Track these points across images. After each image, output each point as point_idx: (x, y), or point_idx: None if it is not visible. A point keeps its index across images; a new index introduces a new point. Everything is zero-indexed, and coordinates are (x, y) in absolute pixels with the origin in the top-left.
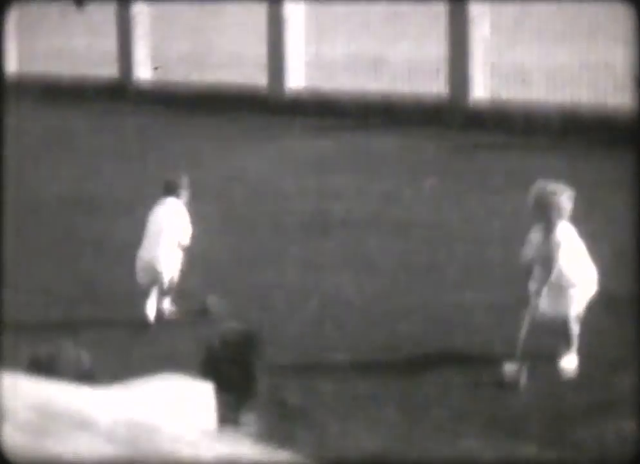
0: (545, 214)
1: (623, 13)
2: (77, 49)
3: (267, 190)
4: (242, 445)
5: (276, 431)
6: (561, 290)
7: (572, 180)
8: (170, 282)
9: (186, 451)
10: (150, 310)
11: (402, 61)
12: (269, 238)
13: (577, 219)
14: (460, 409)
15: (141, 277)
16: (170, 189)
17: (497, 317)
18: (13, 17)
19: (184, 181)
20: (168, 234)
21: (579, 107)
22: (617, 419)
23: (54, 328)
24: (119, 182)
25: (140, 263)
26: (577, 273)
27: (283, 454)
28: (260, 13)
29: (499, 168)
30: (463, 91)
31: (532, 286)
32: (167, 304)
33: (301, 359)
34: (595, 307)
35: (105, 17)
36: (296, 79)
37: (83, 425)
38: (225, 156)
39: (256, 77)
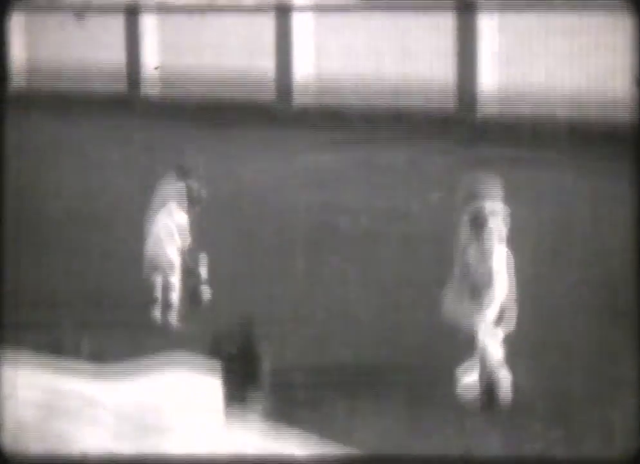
0: (480, 237)
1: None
2: (84, 63)
3: (274, 204)
4: (247, 429)
5: (282, 410)
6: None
7: (579, 193)
8: (172, 284)
9: (191, 430)
10: (158, 313)
11: (410, 74)
12: (275, 252)
13: (584, 231)
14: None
15: (148, 273)
16: (183, 197)
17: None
18: (18, 27)
19: (201, 193)
20: (168, 234)
21: (586, 121)
22: (621, 410)
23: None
24: (126, 196)
25: (146, 260)
26: (506, 301)
27: (289, 433)
28: (269, 27)
29: (507, 182)
30: (472, 104)
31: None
32: (174, 317)
33: (306, 375)
34: (599, 298)
35: (113, 30)
36: (304, 93)
37: (92, 403)
38: (232, 170)
39: (264, 92)
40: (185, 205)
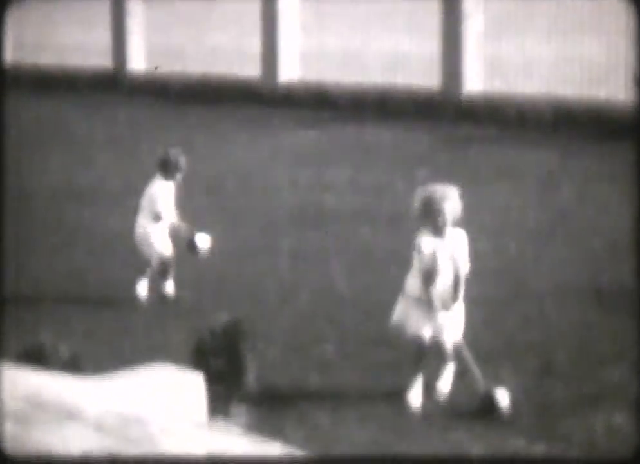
0: (432, 220)
1: (617, 6)
2: (71, 41)
3: (259, 182)
4: (232, 437)
5: (266, 422)
6: (442, 304)
7: (563, 173)
8: (165, 260)
9: (175, 442)
10: (142, 290)
11: (396, 54)
12: (260, 230)
13: (570, 212)
14: (450, 402)
15: (140, 251)
16: (163, 166)
17: (490, 310)
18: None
19: (180, 160)
20: (154, 210)
21: (571, 101)
22: (608, 413)
23: (45, 318)
24: (112, 173)
25: (136, 239)
26: (461, 288)
27: (273, 445)
28: (254, 4)
29: (491, 161)
30: (456, 84)
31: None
32: (170, 288)
33: (291, 352)
34: (589, 302)
35: (99, 9)
36: (289, 71)
37: (72, 415)
38: (218, 147)
39: (250, 69)
40: (167, 174)
